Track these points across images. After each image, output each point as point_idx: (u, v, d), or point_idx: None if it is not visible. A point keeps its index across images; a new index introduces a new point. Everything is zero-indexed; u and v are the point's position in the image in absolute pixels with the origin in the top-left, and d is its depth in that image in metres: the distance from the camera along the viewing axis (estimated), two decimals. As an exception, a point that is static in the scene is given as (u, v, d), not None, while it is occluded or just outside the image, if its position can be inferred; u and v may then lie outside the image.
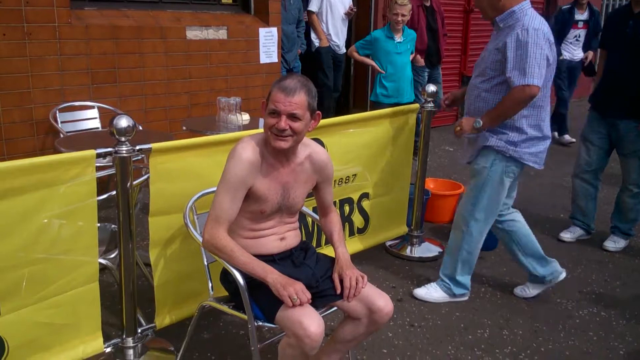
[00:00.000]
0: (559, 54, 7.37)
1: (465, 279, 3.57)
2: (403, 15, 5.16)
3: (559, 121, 7.93)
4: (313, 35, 6.84)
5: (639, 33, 4.00)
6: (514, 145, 3.24)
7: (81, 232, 2.51)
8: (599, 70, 4.60)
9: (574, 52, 7.50)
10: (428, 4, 6.33)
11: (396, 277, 3.88)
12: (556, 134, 8.00)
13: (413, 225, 4.23)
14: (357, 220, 3.89)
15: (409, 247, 4.22)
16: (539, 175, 6.48)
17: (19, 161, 2.27)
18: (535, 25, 3.06)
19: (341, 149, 3.56)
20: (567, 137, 8.01)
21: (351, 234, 3.90)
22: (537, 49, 3.02)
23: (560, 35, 7.31)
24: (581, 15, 7.34)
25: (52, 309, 2.49)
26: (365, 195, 3.88)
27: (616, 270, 4.16)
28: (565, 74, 7.61)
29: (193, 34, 5.38)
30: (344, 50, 6.85)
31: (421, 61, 6.27)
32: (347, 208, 3.79)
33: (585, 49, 7.48)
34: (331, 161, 2.57)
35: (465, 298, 3.63)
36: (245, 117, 4.27)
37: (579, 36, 7.42)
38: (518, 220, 3.57)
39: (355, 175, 3.74)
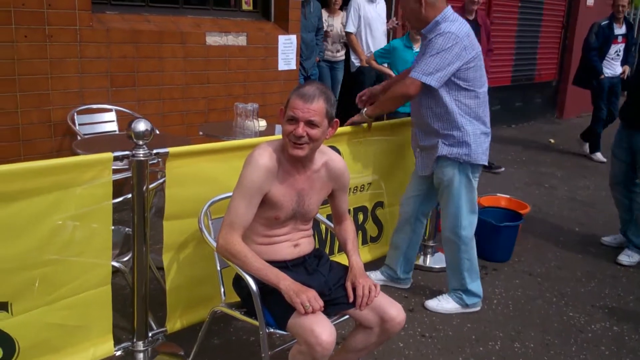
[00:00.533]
0: (601, 72, 7.34)
1: (476, 286, 3.57)
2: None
3: (592, 138, 7.93)
4: (353, 56, 6.76)
5: None
6: (466, 147, 3.29)
7: (95, 234, 2.52)
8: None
9: (615, 68, 7.46)
10: (471, 17, 6.18)
11: (410, 286, 3.86)
12: (587, 148, 8.01)
13: (427, 235, 4.22)
14: (371, 228, 3.89)
15: (422, 257, 4.20)
16: (553, 187, 6.46)
17: (35, 162, 2.29)
18: (451, 29, 3.16)
19: (357, 157, 3.57)
20: (599, 155, 7.95)
21: (364, 242, 3.90)
22: (445, 53, 3.12)
23: (602, 52, 7.31)
24: (620, 30, 7.32)
25: (64, 311, 2.50)
26: (379, 204, 3.88)
27: (630, 284, 4.12)
28: (607, 93, 7.56)
29: (213, 39, 5.42)
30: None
31: None
32: (361, 216, 3.79)
33: (622, 63, 7.45)
34: (347, 169, 2.58)
35: (478, 308, 3.61)
36: (262, 124, 4.29)
37: (620, 51, 7.40)
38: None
39: (370, 183, 3.74)
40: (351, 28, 6.64)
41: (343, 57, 7.00)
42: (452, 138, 3.29)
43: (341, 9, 6.95)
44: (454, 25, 3.20)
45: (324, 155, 2.51)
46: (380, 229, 3.95)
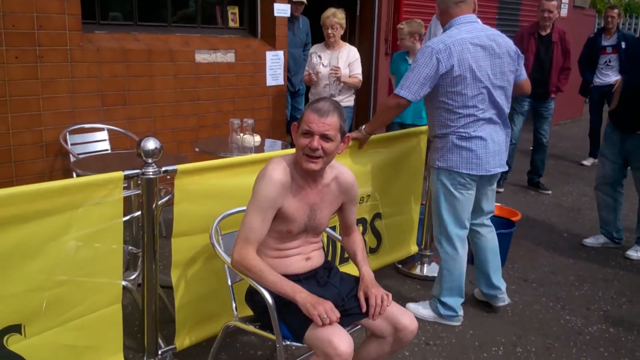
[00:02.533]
0: (589, 81, 7.64)
1: (451, 301, 3.53)
2: (402, 39, 5.26)
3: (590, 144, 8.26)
4: None
5: None
6: (441, 154, 3.38)
7: (107, 253, 2.53)
8: (617, 92, 4.81)
9: (606, 77, 7.64)
10: (544, 33, 6.15)
11: (408, 296, 3.92)
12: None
13: (423, 244, 4.28)
14: (370, 240, 3.93)
15: (419, 267, 4.26)
16: (539, 194, 6.58)
17: (50, 183, 2.30)
18: (433, 41, 3.24)
19: (355, 170, 3.60)
20: (588, 160, 8.23)
21: (363, 253, 3.94)
22: (419, 68, 3.19)
23: (591, 62, 7.60)
24: (608, 41, 7.53)
25: (76, 332, 2.49)
26: (378, 216, 3.93)
27: (622, 287, 4.22)
28: (597, 102, 7.85)
29: (202, 57, 5.45)
30: None
31: None
32: (360, 228, 3.83)
33: (620, 73, 7.65)
34: (356, 182, 2.62)
35: (455, 323, 3.57)
36: (257, 139, 4.33)
37: (609, 61, 7.59)
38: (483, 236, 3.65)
39: (369, 195, 3.79)
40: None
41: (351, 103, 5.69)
42: (435, 147, 3.45)
43: (346, 38, 6.14)
44: (445, 35, 3.23)
45: (334, 169, 2.55)
46: (379, 240, 4.00)
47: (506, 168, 3.51)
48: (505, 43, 3.34)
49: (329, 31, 5.25)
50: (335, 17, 5.21)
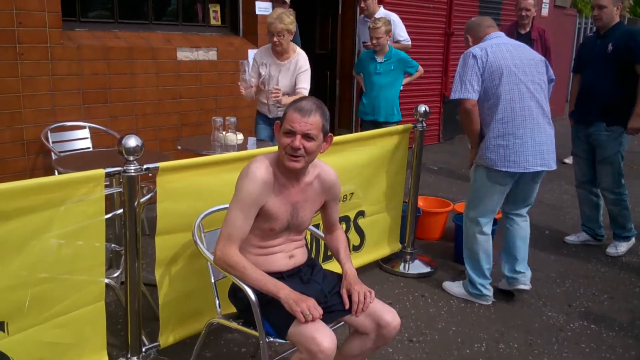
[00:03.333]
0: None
1: (476, 279, 3.78)
2: (377, 38, 5.22)
3: None
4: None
5: (605, 49, 4.45)
6: (483, 152, 3.61)
7: (89, 250, 2.52)
8: (573, 91, 4.92)
9: None
10: (524, 31, 6.21)
11: (392, 293, 3.94)
12: None
13: (406, 242, 4.30)
14: (353, 237, 3.94)
15: (402, 264, 4.28)
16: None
17: (31, 180, 2.29)
18: (472, 47, 3.60)
19: (338, 168, 3.59)
20: (570, 158, 8.21)
21: (346, 251, 3.95)
22: (465, 67, 3.52)
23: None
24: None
25: (59, 329, 2.49)
26: (361, 213, 3.94)
27: (603, 284, 4.26)
28: None
29: (184, 55, 5.43)
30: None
31: None
32: (343, 226, 3.84)
33: None
34: (339, 180, 2.63)
35: (486, 303, 3.81)
36: (240, 137, 4.31)
37: None
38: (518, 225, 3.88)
39: (352, 193, 3.80)
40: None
41: None
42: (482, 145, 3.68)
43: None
44: (481, 42, 3.64)
45: (316, 168, 2.56)
46: (362, 238, 4.01)
47: (552, 167, 3.67)
48: (533, 51, 3.75)
49: (275, 39, 4.41)
50: (282, 23, 4.36)
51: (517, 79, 3.48)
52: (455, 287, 3.93)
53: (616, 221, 4.75)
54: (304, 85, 4.58)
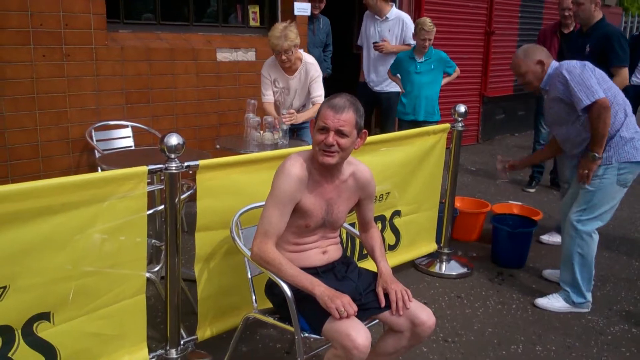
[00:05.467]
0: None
1: (584, 286, 3.71)
2: (430, 40, 5.22)
3: None
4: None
5: (584, 49, 4.57)
6: (614, 151, 3.54)
7: (131, 245, 2.60)
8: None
9: None
10: (567, 31, 6.16)
11: (427, 293, 3.93)
12: None
13: (442, 242, 4.29)
14: (389, 237, 3.95)
15: (438, 264, 4.27)
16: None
17: (77, 176, 2.37)
18: (562, 71, 3.47)
19: (375, 167, 3.61)
20: None
21: (382, 250, 3.96)
22: (584, 75, 3.40)
23: (633, 61, 7.41)
24: None
25: (102, 320, 2.57)
26: (397, 213, 3.95)
27: (645, 288, 4.19)
28: (632, 100, 7.63)
29: (223, 55, 5.52)
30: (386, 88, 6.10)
31: None
32: (379, 225, 3.86)
33: None
34: (374, 179, 2.65)
35: (586, 310, 3.76)
36: (277, 136, 4.35)
37: None
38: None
39: (388, 193, 3.81)
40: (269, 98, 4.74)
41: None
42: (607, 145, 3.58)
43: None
44: (562, 66, 3.52)
45: (352, 166, 2.58)
46: (397, 237, 4.02)
47: None
48: None
49: (283, 57, 4.29)
50: (287, 40, 4.20)
51: (610, 82, 3.54)
52: (555, 303, 3.78)
53: None
54: (319, 93, 4.56)
